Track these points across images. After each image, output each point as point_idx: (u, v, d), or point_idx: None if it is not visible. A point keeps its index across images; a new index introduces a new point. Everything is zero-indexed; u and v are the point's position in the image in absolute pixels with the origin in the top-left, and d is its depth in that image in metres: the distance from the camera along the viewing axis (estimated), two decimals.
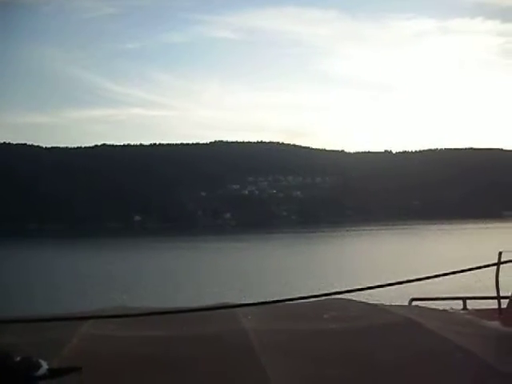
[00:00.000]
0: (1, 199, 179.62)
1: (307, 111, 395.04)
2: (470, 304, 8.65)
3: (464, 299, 8.70)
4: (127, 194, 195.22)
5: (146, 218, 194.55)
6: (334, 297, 7.38)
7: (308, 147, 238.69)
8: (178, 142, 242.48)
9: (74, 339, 5.53)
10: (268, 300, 6.57)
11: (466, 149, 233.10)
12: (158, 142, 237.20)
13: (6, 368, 3.97)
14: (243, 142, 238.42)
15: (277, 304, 7.41)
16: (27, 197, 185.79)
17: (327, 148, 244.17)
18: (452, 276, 6.34)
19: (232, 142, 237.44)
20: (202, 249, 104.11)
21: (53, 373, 4.09)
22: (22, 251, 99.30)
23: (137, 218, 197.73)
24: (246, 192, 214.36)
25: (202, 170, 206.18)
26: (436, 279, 6.21)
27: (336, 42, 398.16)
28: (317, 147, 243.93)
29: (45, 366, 4.08)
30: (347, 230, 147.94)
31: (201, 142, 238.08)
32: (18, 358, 4.05)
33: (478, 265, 6.40)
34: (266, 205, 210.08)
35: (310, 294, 6.94)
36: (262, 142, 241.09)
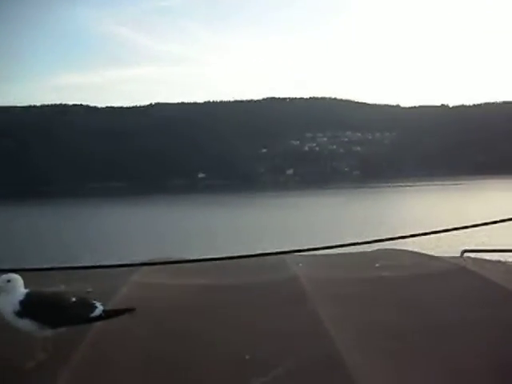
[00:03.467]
0: (63, 159, 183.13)
1: (358, 64, 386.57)
2: None
3: None
4: (190, 152, 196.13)
5: (209, 175, 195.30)
6: (385, 247, 7.37)
7: (363, 102, 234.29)
8: (231, 99, 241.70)
9: (125, 287, 5.62)
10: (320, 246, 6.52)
11: None
12: (211, 100, 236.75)
13: (63, 308, 4.10)
14: (295, 98, 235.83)
15: (328, 253, 7.43)
16: (89, 156, 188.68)
17: (382, 103, 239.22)
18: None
19: (284, 99, 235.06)
20: (266, 204, 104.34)
21: (108, 314, 4.18)
22: (86, 208, 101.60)
23: (201, 175, 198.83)
24: (306, 148, 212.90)
25: (260, 127, 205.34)
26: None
27: None
28: (371, 102, 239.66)
29: (100, 307, 4.16)
30: (406, 185, 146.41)
31: (254, 99, 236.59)
32: (74, 299, 4.17)
33: None
34: (327, 161, 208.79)
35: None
36: (313, 97, 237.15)
